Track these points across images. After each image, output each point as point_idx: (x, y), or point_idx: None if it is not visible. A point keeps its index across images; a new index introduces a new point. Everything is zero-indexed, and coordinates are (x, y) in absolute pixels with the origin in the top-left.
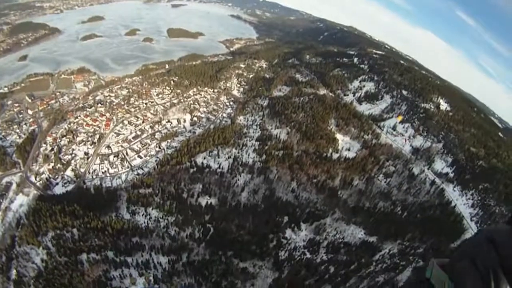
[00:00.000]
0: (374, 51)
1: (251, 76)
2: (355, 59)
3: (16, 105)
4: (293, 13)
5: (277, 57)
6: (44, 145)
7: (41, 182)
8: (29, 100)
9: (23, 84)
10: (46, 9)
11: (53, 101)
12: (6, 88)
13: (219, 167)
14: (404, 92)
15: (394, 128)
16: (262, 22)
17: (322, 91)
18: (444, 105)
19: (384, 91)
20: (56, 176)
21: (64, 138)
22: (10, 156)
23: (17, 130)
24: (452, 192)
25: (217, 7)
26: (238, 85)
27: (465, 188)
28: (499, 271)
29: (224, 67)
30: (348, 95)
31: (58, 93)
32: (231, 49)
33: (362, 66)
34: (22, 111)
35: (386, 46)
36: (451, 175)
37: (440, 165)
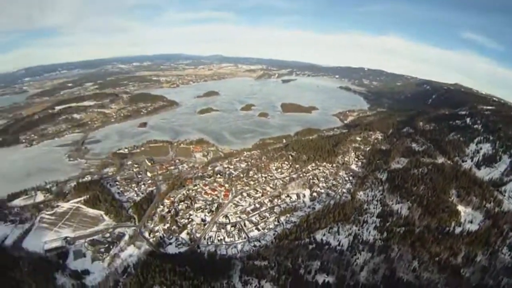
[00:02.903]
0: (484, 107)
1: (368, 149)
2: (468, 120)
3: (136, 166)
4: (398, 79)
5: (391, 126)
6: (161, 206)
7: (154, 239)
8: (149, 164)
9: (143, 148)
10: (163, 83)
11: (172, 167)
12: (126, 150)
13: (338, 245)
14: None
15: None
16: (371, 91)
17: (440, 160)
18: None
19: (501, 151)
20: (171, 237)
21: (182, 203)
22: (126, 210)
23: (135, 189)
24: None
25: (325, 80)
26: (356, 159)
27: None
28: None
29: (340, 141)
30: (466, 161)
31: (177, 161)
32: (345, 121)
33: (476, 126)
34: (141, 172)
35: (494, 98)
36: None
37: None
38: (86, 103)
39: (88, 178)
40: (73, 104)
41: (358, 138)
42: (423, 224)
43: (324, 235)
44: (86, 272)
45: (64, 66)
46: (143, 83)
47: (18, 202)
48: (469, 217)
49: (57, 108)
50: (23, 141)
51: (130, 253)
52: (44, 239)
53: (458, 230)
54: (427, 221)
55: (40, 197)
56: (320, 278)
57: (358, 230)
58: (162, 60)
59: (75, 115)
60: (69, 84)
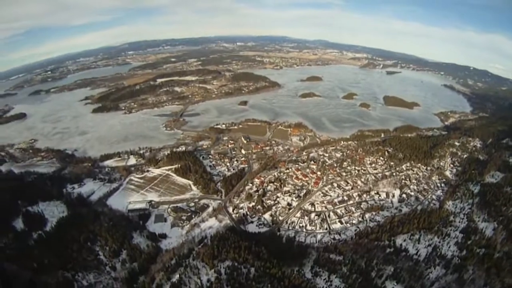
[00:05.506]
0: None
1: (465, 156)
2: None
3: (231, 142)
4: (503, 82)
5: (491, 135)
6: (250, 184)
7: (237, 215)
8: (244, 141)
9: (240, 126)
10: (266, 64)
11: (267, 148)
12: (224, 125)
13: (416, 254)
14: None
15: None
16: (475, 93)
17: None
18: None
19: None
20: (254, 216)
21: (271, 185)
22: (214, 183)
23: (227, 164)
24: None
25: (430, 75)
26: (451, 165)
27: None
28: None
29: (438, 143)
30: None
31: (273, 142)
32: (446, 123)
33: None
34: (235, 149)
35: None
36: None
37: None
38: (188, 77)
39: (182, 148)
40: (175, 78)
41: (456, 143)
42: (504, 249)
43: (404, 240)
44: (164, 235)
45: (168, 42)
46: (246, 62)
47: (110, 162)
48: None
49: (159, 80)
50: (123, 108)
51: (211, 225)
52: (129, 200)
53: None
54: (508, 247)
55: (132, 160)
56: (389, 285)
57: (439, 242)
58: (266, 41)
59: (176, 88)
60: (172, 59)
